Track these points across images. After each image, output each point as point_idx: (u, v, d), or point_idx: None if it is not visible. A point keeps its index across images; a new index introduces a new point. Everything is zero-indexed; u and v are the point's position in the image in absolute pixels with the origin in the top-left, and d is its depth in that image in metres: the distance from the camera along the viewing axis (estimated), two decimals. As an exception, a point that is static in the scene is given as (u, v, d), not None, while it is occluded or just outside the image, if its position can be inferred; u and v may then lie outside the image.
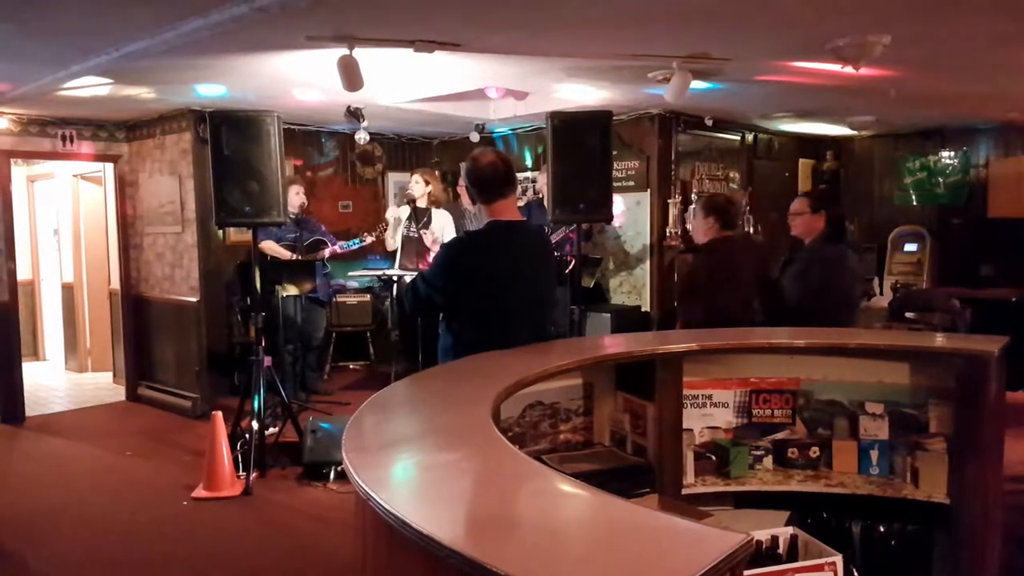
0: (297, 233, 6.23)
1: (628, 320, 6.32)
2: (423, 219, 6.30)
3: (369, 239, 6.50)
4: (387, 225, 6.62)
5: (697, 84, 4.86)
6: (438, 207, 6.43)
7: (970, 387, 2.61)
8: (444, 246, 3.12)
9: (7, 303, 6.46)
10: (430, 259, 5.97)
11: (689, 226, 5.63)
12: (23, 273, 7.85)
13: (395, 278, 6.17)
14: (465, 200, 6.77)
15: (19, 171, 8.18)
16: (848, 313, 4.24)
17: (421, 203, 6.30)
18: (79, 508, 4.52)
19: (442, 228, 6.31)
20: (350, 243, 6.47)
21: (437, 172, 7.14)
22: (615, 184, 5.56)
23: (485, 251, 2.96)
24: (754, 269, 4.14)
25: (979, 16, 3.63)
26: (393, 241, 6.48)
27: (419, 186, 6.34)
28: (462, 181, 6.98)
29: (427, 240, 6.19)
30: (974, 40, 4.07)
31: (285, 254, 6.20)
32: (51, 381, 8.10)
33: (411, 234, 6.29)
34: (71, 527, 4.23)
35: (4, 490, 4.84)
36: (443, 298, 2.95)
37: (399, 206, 6.81)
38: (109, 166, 7.12)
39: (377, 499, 1.43)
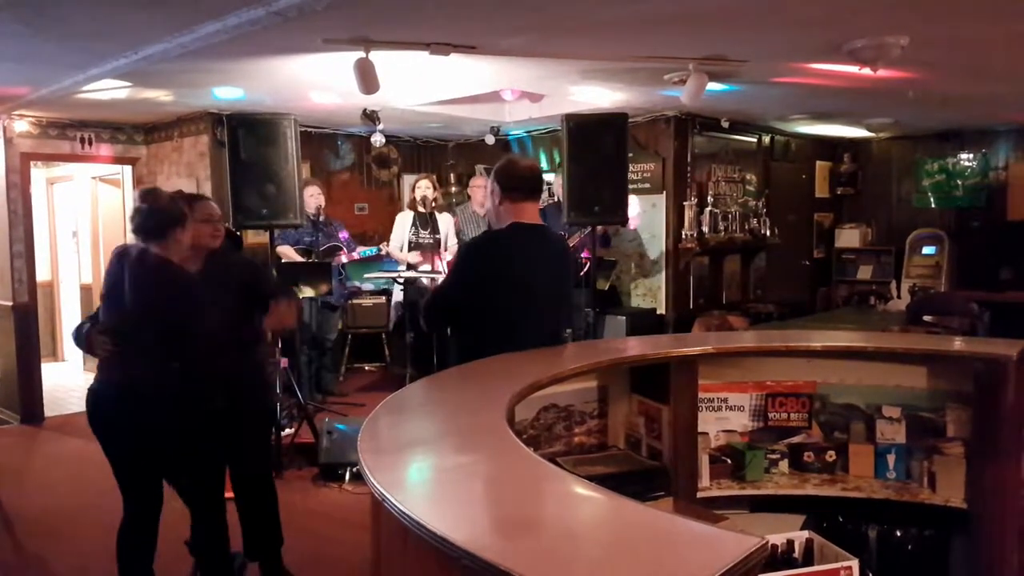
0: (314, 236, 6.26)
1: (643, 323, 6.30)
2: (430, 224, 6.44)
3: (386, 248, 6.56)
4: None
5: (713, 86, 4.84)
6: (440, 212, 6.56)
7: (988, 391, 2.59)
8: (465, 245, 3.11)
9: (26, 304, 6.54)
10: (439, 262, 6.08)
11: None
12: (42, 274, 7.93)
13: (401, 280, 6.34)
14: (475, 201, 6.78)
15: (39, 173, 8.26)
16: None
17: (421, 208, 6.40)
18: (97, 508, 4.55)
19: (445, 232, 6.45)
20: (367, 251, 6.52)
21: (434, 175, 7.16)
22: (630, 186, 5.55)
23: (506, 251, 2.95)
24: None
25: (997, 17, 3.59)
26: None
27: (420, 191, 6.46)
28: (475, 181, 7.01)
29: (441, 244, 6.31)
30: (992, 41, 4.03)
31: (299, 259, 6.23)
32: (70, 382, 8.16)
33: (422, 239, 6.42)
34: (90, 526, 4.27)
35: (24, 489, 4.90)
36: (462, 296, 2.93)
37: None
38: (127, 168, 7.19)
39: (392, 500, 1.44)
